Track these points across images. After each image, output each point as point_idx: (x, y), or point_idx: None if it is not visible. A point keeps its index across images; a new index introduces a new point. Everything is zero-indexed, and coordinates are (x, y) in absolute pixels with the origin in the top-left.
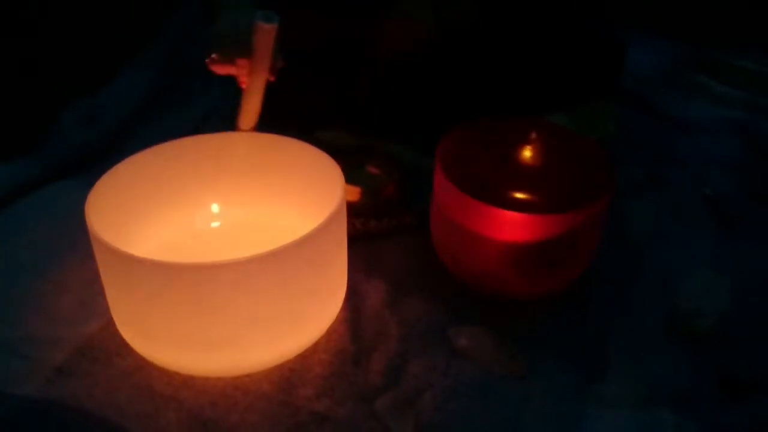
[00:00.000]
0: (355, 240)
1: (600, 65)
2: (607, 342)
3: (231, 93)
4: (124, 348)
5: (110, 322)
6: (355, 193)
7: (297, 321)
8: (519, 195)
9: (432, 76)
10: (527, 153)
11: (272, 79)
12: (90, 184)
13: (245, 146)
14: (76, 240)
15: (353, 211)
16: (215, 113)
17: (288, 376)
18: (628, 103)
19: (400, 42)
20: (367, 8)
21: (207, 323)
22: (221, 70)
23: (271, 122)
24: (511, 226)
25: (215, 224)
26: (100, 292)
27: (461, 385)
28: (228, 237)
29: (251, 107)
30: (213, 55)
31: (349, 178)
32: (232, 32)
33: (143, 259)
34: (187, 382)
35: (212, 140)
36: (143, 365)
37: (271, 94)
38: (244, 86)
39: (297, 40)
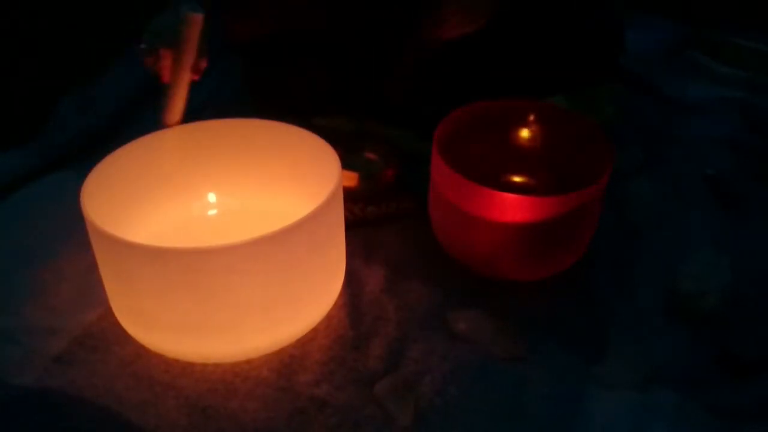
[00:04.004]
0: (353, 226)
1: (600, 47)
2: (607, 323)
3: (225, 82)
4: (122, 336)
5: (108, 311)
6: (353, 179)
7: (295, 306)
8: (518, 177)
9: (430, 60)
10: (526, 135)
11: (196, 78)
12: (88, 173)
13: (242, 133)
14: (74, 229)
15: (352, 196)
16: (211, 101)
17: (287, 362)
18: (628, 83)
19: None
20: None
21: (205, 309)
22: (150, 62)
23: (268, 108)
24: (510, 208)
25: (212, 212)
26: (98, 282)
27: (461, 369)
28: (225, 224)
29: (175, 103)
30: (141, 45)
31: (347, 164)
32: (162, 24)
33: (139, 245)
34: (185, 369)
35: (209, 127)
36: (142, 353)
37: (269, 82)
38: (165, 80)
39: (294, 25)
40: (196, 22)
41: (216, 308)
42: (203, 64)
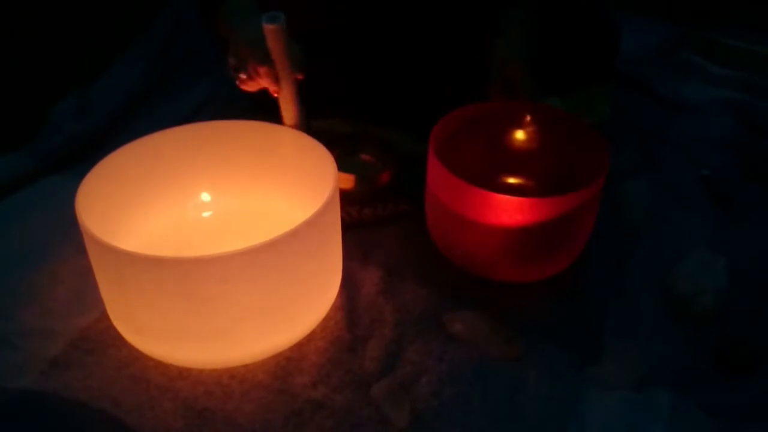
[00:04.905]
0: (350, 228)
1: (595, 48)
2: (603, 323)
3: (223, 83)
4: (118, 340)
5: (104, 315)
6: (349, 181)
7: (292, 311)
8: (513, 179)
9: (425, 61)
10: (521, 137)
11: (300, 77)
12: (84, 176)
13: (238, 135)
14: (70, 233)
15: (348, 199)
16: (207, 103)
17: (284, 365)
18: (623, 84)
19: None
20: None
21: (200, 316)
22: (252, 86)
23: (264, 111)
24: (506, 210)
25: (207, 213)
26: (94, 285)
27: (457, 370)
28: (220, 226)
29: (289, 111)
30: (241, 75)
31: (343, 166)
32: (245, 44)
33: (135, 254)
34: (182, 372)
35: (203, 129)
36: (138, 356)
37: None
38: (275, 95)
39: (293, 27)
40: (275, 32)
41: (212, 316)
42: (300, 59)
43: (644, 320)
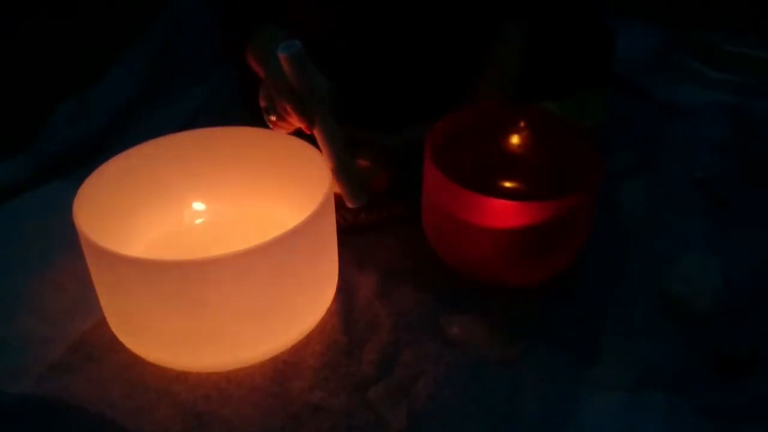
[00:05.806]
0: (346, 232)
1: (591, 52)
2: (600, 326)
3: (221, 87)
4: (117, 344)
5: (103, 320)
6: None
7: (288, 314)
8: (509, 183)
9: (421, 64)
10: (517, 140)
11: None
12: (82, 182)
13: (234, 141)
14: (69, 238)
15: (344, 203)
16: (207, 104)
17: (281, 369)
18: (619, 87)
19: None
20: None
21: (197, 319)
22: (285, 127)
23: (262, 116)
24: (501, 214)
25: (203, 220)
26: (93, 290)
27: (454, 373)
28: (217, 232)
29: (325, 150)
30: (272, 118)
31: None
32: (276, 80)
33: (131, 258)
34: (180, 376)
35: (198, 136)
36: (136, 361)
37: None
38: (310, 132)
39: (292, 32)
40: (289, 60)
41: (209, 319)
42: (325, 89)
43: (641, 322)
